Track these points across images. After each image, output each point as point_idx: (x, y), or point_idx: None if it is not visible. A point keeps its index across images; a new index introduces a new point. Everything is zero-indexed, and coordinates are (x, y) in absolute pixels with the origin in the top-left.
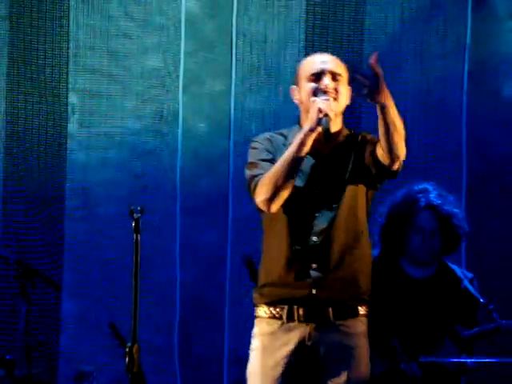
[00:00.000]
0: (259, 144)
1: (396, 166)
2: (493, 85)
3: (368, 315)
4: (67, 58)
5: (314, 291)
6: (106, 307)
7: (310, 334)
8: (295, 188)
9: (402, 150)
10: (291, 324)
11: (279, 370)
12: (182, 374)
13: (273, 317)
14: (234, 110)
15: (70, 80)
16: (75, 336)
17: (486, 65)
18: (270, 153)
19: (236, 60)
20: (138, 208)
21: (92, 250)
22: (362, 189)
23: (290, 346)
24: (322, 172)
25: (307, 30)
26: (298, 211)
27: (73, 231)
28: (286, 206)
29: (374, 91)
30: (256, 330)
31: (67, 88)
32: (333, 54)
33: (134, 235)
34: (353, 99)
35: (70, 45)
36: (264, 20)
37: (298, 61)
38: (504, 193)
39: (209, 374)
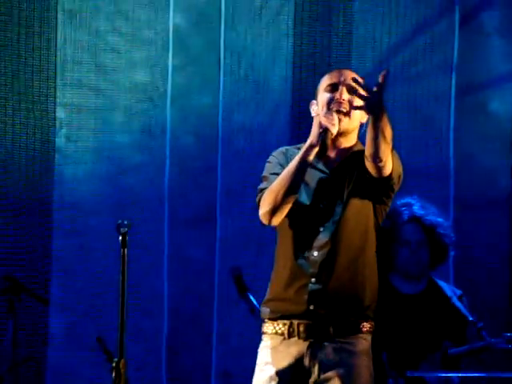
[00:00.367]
0: (274, 158)
1: (384, 172)
2: (480, 100)
3: (372, 332)
4: (55, 72)
5: (311, 307)
6: (93, 321)
7: (308, 350)
8: (301, 202)
9: (384, 155)
10: (292, 340)
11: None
12: None
13: (275, 333)
14: (222, 123)
15: (58, 94)
16: (62, 350)
17: (473, 81)
18: (282, 166)
19: (224, 74)
20: (125, 222)
21: (79, 264)
22: (368, 203)
23: (289, 362)
24: (328, 187)
25: (295, 44)
26: (303, 226)
27: (60, 245)
28: (292, 220)
29: (374, 105)
30: (261, 345)
31: (55, 102)
32: (320, 67)
33: (122, 249)
34: None
35: (58, 59)
36: (252, 34)
37: (286, 75)
38: (491, 207)
39: None
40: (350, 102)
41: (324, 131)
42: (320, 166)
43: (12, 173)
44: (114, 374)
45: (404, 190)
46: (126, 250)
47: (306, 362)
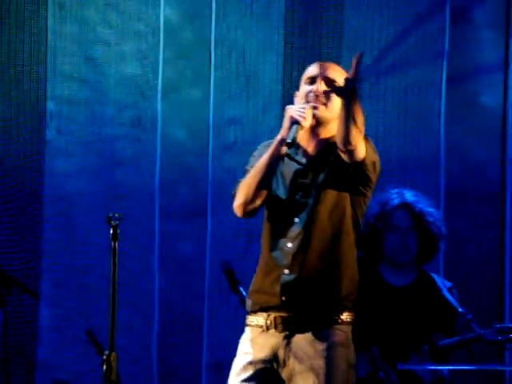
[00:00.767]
0: (257, 151)
1: (356, 156)
2: (470, 92)
3: (351, 322)
4: (45, 65)
5: (283, 298)
6: (83, 315)
7: (284, 342)
8: (279, 194)
9: (354, 139)
10: (270, 332)
11: (250, 372)
12: (160, 381)
13: (256, 325)
14: (213, 117)
15: (48, 87)
16: (53, 344)
17: (463, 73)
18: None
19: (215, 67)
20: (116, 215)
21: (70, 257)
22: (344, 194)
23: (265, 354)
24: (304, 178)
25: (286, 37)
26: (280, 217)
27: (50, 239)
28: (270, 212)
29: (346, 89)
30: (242, 336)
31: (45, 95)
32: (311, 61)
33: (112, 243)
34: None
35: (48, 52)
36: (242, 27)
37: (276, 68)
38: (482, 199)
39: (187, 381)
40: (328, 94)
41: (292, 124)
42: (298, 157)
43: (2, 165)
44: (104, 367)
45: (395, 182)
46: (116, 243)
47: (282, 353)
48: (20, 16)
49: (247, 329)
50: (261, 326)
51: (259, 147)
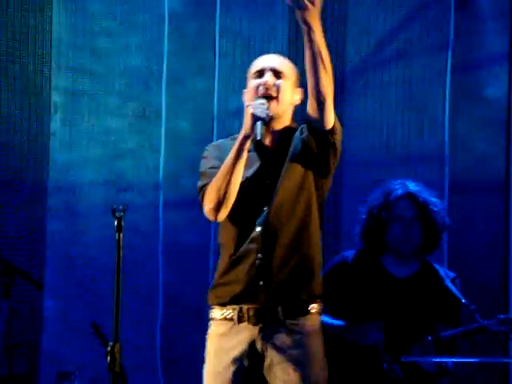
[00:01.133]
0: (208, 152)
1: (326, 119)
2: (475, 84)
3: (321, 313)
4: (50, 56)
5: (261, 283)
6: (88, 306)
7: (259, 335)
8: (241, 186)
9: (326, 88)
10: (242, 325)
11: (230, 372)
12: (164, 373)
13: (224, 318)
14: (218, 108)
15: (53, 78)
16: (57, 335)
17: (468, 65)
18: (219, 160)
19: (219, 58)
20: (121, 207)
21: (74, 248)
22: (309, 176)
23: (241, 348)
24: (268, 168)
25: (290, 27)
26: (247, 207)
27: (54, 229)
28: (236, 204)
29: (307, 13)
30: (209, 332)
31: (50, 86)
32: None
33: (117, 234)
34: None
35: (53, 43)
36: (247, 18)
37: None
38: (486, 192)
39: (191, 372)
40: (277, 86)
41: (256, 121)
42: (258, 151)
43: (7, 157)
44: (108, 359)
45: (398, 174)
46: (121, 234)
47: (259, 346)
48: (24, 7)
49: (214, 323)
50: (231, 319)
51: (208, 148)
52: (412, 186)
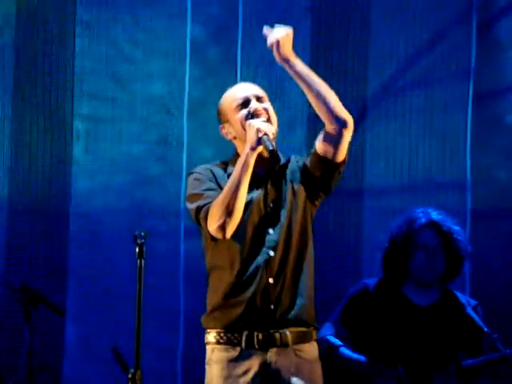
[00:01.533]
0: (201, 175)
1: (346, 133)
2: (497, 111)
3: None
4: (72, 83)
5: (271, 306)
6: (109, 333)
7: (269, 360)
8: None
9: (341, 110)
10: (250, 350)
11: None
12: None
13: (230, 343)
14: None
15: (75, 105)
16: (78, 361)
17: (490, 91)
18: (213, 183)
19: None
20: (142, 233)
21: (96, 275)
22: (307, 198)
23: (252, 374)
24: (268, 190)
25: (312, 54)
26: (249, 227)
27: (77, 256)
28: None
29: (279, 54)
30: (212, 357)
31: (72, 113)
32: (337, 80)
33: (138, 261)
34: None
35: (76, 70)
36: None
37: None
38: (508, 219)
39: None
40: (267, 110)
41: (264, 135)
42: (255, 175)
43: (29, 183)
44: None
45: (420, 202)
46: (142, 260)
47: (268, 371)
48: (48, 35)
49: (218, 348)
50: (237, 344)
51: (200, 171)
52: (435, 215)
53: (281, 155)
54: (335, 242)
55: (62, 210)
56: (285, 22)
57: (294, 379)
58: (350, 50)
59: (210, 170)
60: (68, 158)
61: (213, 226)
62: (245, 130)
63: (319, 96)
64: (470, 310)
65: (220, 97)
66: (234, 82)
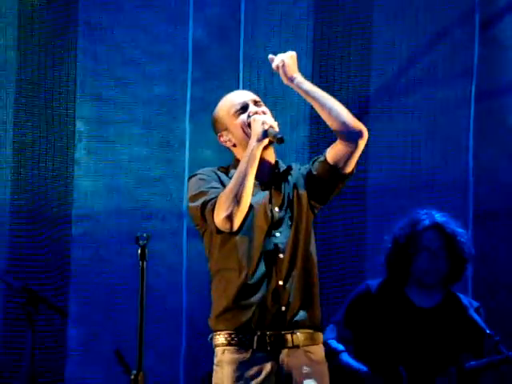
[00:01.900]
0: (205, 176)
1: (362, 143)
2: (499, 111)
3: None
4: (74, 85)
5: (283, 308)
6: (111, 334)
7: (280, 360)
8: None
9: (354, 121)
10: (262, 351)
11: None
12: None
13: (241, 344)
14: None
15: (77, 107)
16: (81, 363)
17: (492, 91)
18: (218, 183)
19: (243, 88)
20: (144, 235)
21: (98, 276)
22: (310, 202)
23: (264, 374)
24: (272, 194)
25: (314, 57)
26: (256, 231)
27: (79, 258)
28: (240, 230)
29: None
30: (222, 358)
31: (74, 115)
32: (341, 82)
33: (140, 262)
34: None
35: (78, 72)
36: (271, 48)
37: None
38: (510, 221)
39: None
40: (265, 112)
41: (266, 131)
42: (258, 180)
43: (31, 185)
44: None
45: (423, 203)
46: (144, 262)
47: (280, 372)
48: (49, 36)
49: (228, 350)
50: (249, 345)
51: (204, 172)
52: (439, 217)
53: (281, 163)
54: (338, 242)
55: (64, 211)
56: (287, 24)
57: (307, 381)
58: (353, 50)
59: (214, 172)
60: (70, 159)
61: (220, 215)
62: (246, 134)
63: (332, 111)
64: (472, 312)
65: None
66: (237, 84)
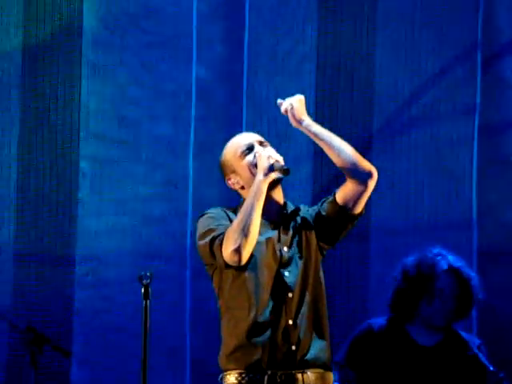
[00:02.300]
0: (214, 214)
1: (371, 184)
2: (502, 148)
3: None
4: (78, 124)
5: (293, 347)
6: (115, 374)
7: None
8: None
9: (365, 162)
10: None
11: None
12: None
13: (252, 383)
14: None
15: (81, 146)
16: None
17: (495, 128)
18: (227, 220)
19: (246, 126)
20: (148, 274)
21: (101, 316)
22: (317, 250)
23: None
24: (280, 234)
25: (317, 95)
26: (265, 270)
27: (82, 297)
28: (249, 268)
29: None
30: None
31: (78, 154)
32: (342, 116)
33: (144, 301)
34: None
35: (81, 111)
36: (274, 86)
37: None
38: None
39: None
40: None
41: (272, 165)
42: (267, 219)
43: (35, 224)
44: None
45: (426, 241)
46: (148, 301)
47: None
48: (54, 75)
49: None
50: None
51: (213, 211)
52: (454, 261)
53: (290, 204)
54: (343, 279)
55: (67, 251)
56: (290, 62)
57: None
58: (356, 85)
59: (223, 211)
60: (73, 198)
61: (229, 249)
62: (253, 174)
63: (341, 152)
64: (475, 350)
65: (226, 138)
66: (240, 123)
